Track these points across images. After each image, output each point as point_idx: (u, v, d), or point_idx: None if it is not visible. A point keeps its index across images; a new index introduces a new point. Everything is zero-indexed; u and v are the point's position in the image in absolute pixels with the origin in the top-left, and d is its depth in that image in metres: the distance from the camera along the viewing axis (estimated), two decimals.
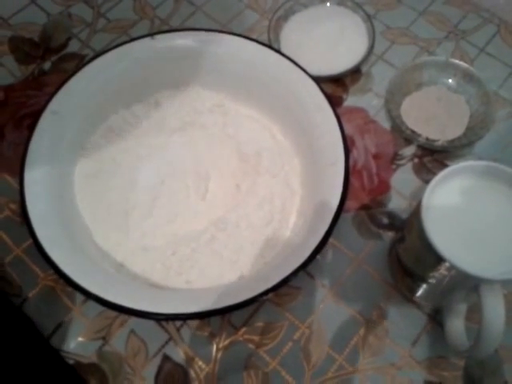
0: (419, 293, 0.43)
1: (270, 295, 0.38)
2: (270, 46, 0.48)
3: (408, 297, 0.45)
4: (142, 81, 0.49)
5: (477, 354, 0.36)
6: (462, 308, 0.42)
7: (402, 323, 0.44)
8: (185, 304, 0.38)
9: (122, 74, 0.48)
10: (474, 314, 0.41)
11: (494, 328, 0.34)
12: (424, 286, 0.41)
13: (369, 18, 0.57)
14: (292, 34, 0.57)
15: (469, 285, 0.36)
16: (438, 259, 0.35)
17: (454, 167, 0.38)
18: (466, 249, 0.36)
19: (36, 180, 0.42)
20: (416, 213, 0.37)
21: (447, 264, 0.35)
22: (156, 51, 0.48)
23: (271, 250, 0.44)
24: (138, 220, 0.45)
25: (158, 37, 0.48)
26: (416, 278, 0.42)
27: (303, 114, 0.46)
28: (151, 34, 0.48)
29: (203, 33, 0.49)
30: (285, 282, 0.38)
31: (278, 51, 0.48)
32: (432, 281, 0.39)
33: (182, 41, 0.48)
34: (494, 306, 0.34)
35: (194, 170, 0.48)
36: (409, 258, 0.42)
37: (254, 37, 0.49)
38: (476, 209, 0.37)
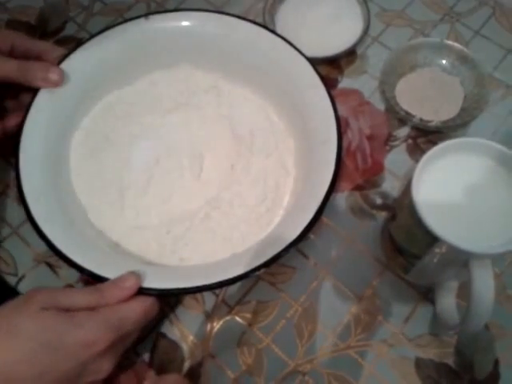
0: (411, 271, 0.43)
1: (262, 271, 0.38)
2: (263, 26, 0.48)
3: (400, 275, 0.45)
4: (136, 61, 0.49)
5: (467, 329, 0.37)
6: (453, 285, 0.42)
7: (394, 301, 0.45)
8: (177, 280, 0.38)
9: (117, 54, 0.48)
10: (466, 291, 0.41)
11: (483, 302, 0.35)
12: (416, 263, 0.42)
13: (364, 1, 0.57)
14: (287, 16, 0.57)
15: (459, 260, 0.36)
16: (429, 235, 0.36)
17: (443, 144, 0.38)
18: (457, 224, 0.36)
19: (31, 158, 0.43)
20: (407, 190, 0.38)
21: (438, 240, 0.35)
22: (150, 32, 0.48)
23: (265, 228, 0.44)
24: (133, 199, 0.46)
25: (152, 17, 0.48)
26: (408, 256, 0.42)
27: (297, 93, 0.46)
28: (145, 15, 0.48)
29: (197, 13, 0.49)
30: (276, 258, 0.38)
31: (272, 31, 0.48)
32: (423, 258, 0.40)
33: (176, 21, 0.48)
34: (483, 281, 0.35)
35: (189, 150, 0.48)
36: (400, 236, 0.42)
37: (250, 19, 0.49)
38: (466, 185, 0.38)
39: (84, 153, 0.47)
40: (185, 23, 0.49)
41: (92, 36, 0.48)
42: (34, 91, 0.45)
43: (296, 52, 0.47)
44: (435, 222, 0.35)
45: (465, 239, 0.35)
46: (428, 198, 0.37)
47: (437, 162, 0.38)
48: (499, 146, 0.38)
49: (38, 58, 0.45)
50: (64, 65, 0.46)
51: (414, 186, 0.37)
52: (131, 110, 0.49)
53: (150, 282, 0.38)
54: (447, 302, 0.42)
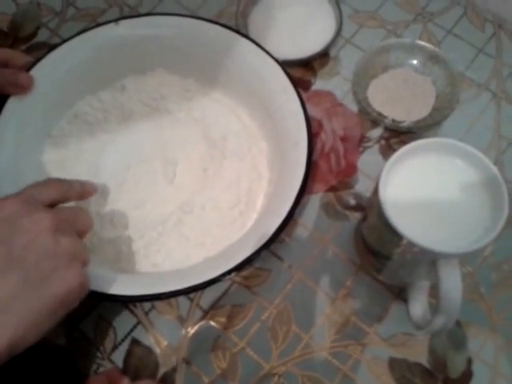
0: (383, 271, 0.44)
1: (233, 275, 0.38)
2: (233, 29, 0.48)
3: (373, 275, 0.45)
4: (107, 66, 0.49)
5: (437, 328, 0.37)
6: (425, 285, 0.42)
7: (368, 301, 0.45)
8: (149, 286, 0.38)
9: (87, 60, 0.48)
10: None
11: (451, 301, 0.35)
12: (387, 263, 0.42)
13: (336, 2, 0.57)
14: (260, 19, 0.57)
15: (428, 260, 0.37)
16: (397, 236, 0.36)
17: (411, 144, 0.38)
18: (424, 224, 0.37)
19: (1, 167, 0.42)
20: (375, 191, 0.38)
21: (405, 240, 0.36)
22: (120, 37, 0.48)
23: (238, 231, 0.44)
24: (105, 206, 0.45)
25: (122, 22, 0.48)
26: (379, 257, 0.42)
27: (268, 96, 0.46)
28: (115, 20, 0.48)
29: (167, 18, 0.49)
30: (247, 261, 0.38)
31: (242, 34, 0.48)
32: (394, 258, 0.40)
33: (146, 26, 0.48)
34: (451, 280, 0.35)
35: (161, 155, 0.48)
36: (371, 237, 0.42)
37: (223, 22, 0.49)
38: (434, 185, 0.38)
39: (55, 160, 0.47)
40: (155, 28, 0.49)
41: (61, 42, 0.48)
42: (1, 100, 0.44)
43: (266, 55, 0.47)
44: (402, 222, 0.35)
45: (433, 239, 0.35)
46: (396, 197, 0.37)
47: (405, 163, 0.39)
48: (467, 146, 0.38)
49: (4, 65, 0.45)
50: (33, 72, 0.46)
51: (382, 185, 0.37)
52: (102, 116, 0.49)
53: (122, 289, 0.38)
54: (419, 301, 0.42)
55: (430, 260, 0.36)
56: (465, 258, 0.42)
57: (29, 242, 0.32)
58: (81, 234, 0.38)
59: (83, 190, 0.41)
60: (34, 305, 0.31)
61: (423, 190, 0.38)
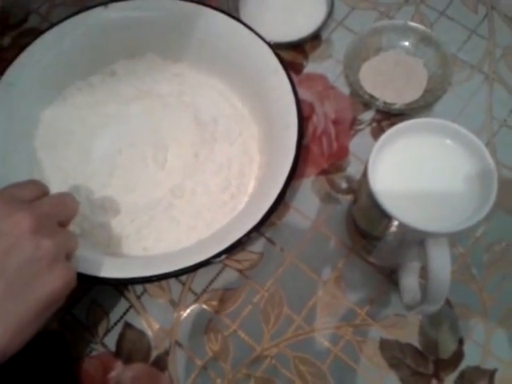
0: (374, 253, 0.44)
1: (223, 257, 0.38)
2: (224, 12, 0.48)
3: (365, 258, 0.45)
4: (97, 51, 0.49)
5: (427, 308, 0.37)
6: (415, 265, 0.42)
7: (360, 283, 0.45)
8: (139, 269, 0.39)
9: (77, 45, 0.48)
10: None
11: (440, 280, 0.35)
12: (378, 245, 0.42)
13: None
14: (251, 2, 0.57)
15: (417, 240, 0.37)
16: (385, 216, 0.36)
17: (399, 126, 0.38)
18: (413, 205, 0.36)
19: None
20: (364, 172, 0.38)
21: (394, 220, 0.36)
22: (110, 20, 0.48)
23: (229, 215, 0.44)
24: (96, 190, 0.45)
25: (111, 5, 0.48)
26: (370, 238, 0.42)
27: (259, 79, 0.46)
28: (104, 3, 0.48)
29: (157, 0, 0.48)
30: (237, 244, 0.38)
31: (232, 16, 0.47)
32: (384, 239, 0.40)
33: (136, 9, 0.48)
34: (439, 259, 0.35)
35: (152, 140, 0.48)
36: (361, 218, 0.42)
37: (214, 5, 0.49)
38: (423, 166, 0.38)
39: (46, 145, 0.46)
40: (145, 11, 0.48)
41: (51, 26, 0.47)
42: None
43: (257, 37, 0.46)
44: (390, 203, 0.35)
45: (422, 219, 0.35)
46: (385, 178, 0.37)
47: (394, 144, 0.38)
48: (456, 126, 0.38)
49: None
50: (22, 57, 0.46)
51: (371, 166, 0.37)
52: (93, 101, 0.49)
53: (113, 272, 0.38)
54: (410, 282, 0.42)
55: (419, 240, 0.36)
56: (455, 239, 0.42)
57: (9, 247, 0.31)
58: (65, 223, 0.37)
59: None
60: (18, 311, 0.31)
61: (412, 170, 0.38)
